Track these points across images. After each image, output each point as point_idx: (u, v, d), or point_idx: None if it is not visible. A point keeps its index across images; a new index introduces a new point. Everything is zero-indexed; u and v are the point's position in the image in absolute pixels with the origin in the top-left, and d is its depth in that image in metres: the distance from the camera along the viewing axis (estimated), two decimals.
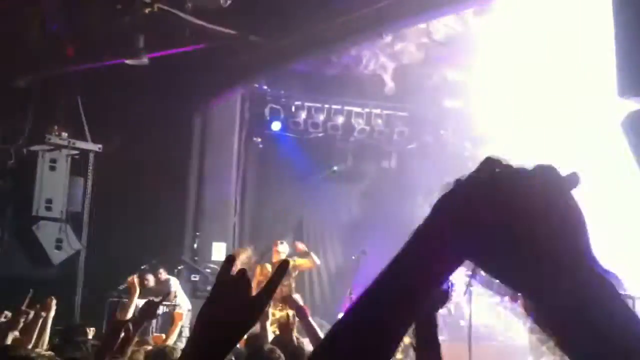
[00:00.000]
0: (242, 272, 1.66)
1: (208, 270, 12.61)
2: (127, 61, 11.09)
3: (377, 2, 10.00)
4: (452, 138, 14.23)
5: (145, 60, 10.99)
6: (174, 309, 10.00)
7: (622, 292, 1.01)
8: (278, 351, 4.18)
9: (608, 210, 11.48)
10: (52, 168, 11.72)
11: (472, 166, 1.06)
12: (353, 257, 11.37)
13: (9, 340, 4.98)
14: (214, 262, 13.03)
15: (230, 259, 1.72)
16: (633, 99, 3.61)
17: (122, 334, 3.63)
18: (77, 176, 12.23)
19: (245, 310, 1.62)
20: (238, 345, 5.68)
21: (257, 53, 11.40)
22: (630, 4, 3.57)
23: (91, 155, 12.20)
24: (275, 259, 10.74)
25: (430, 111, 14.56)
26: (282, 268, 1.69)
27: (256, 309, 1.64)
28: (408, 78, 13.58)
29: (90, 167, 12.19)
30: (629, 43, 3.52)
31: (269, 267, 10.43)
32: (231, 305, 1.61)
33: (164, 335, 8.75)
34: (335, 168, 13.29)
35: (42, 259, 11.54)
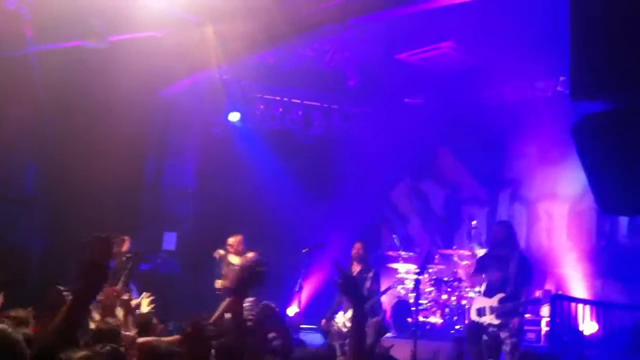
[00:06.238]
0: None
1: (159, 260, 12.50)
2: (87, 43, 10.89)
3: None
4: (413, 136, 14.21)
5: (105, 43, 10.80)
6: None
7: None
8: None
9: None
10: None
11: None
12: (303, 251, 11.26)
13: None
14: (165, 252, 13.00)
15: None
16: (586, 103, 3.61)
17: None
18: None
19: None
20: None
21: (217, 41, 11.29)
22: (586, 4, 3.56)
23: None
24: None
25: (391, 109, 14.57)
26: None
27: None
28: (371, 74, 13.51)
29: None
30: (582, 44, 3.52)
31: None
32: None
33: None
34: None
35: None
